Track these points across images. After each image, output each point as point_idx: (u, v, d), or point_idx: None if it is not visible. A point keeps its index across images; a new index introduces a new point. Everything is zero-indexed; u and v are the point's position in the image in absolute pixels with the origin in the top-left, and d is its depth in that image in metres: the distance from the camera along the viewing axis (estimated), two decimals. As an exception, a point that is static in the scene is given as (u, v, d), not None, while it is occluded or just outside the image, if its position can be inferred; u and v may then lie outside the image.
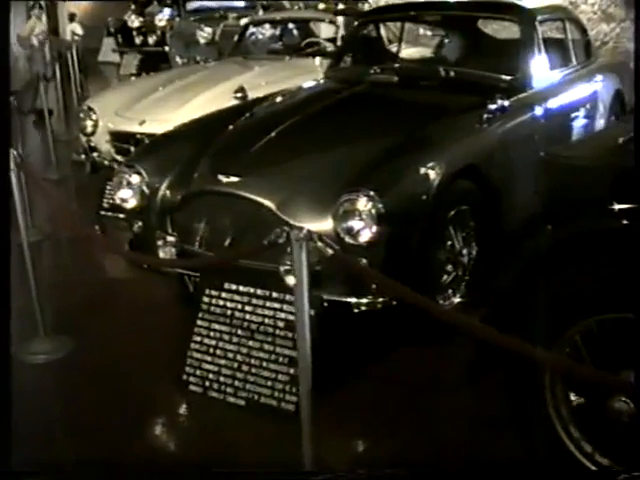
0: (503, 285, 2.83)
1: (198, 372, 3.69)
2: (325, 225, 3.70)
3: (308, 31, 8.49)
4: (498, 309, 2.83)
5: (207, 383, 3.65)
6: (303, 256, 2.70)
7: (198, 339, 3.75)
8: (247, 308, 3.67)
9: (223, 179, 3.96)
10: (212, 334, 3.72)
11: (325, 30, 8.74)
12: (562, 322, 2.66)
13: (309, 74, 6.93)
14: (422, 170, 3.73)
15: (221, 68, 7.44)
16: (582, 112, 5.40)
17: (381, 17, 5.95)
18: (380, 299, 3.66)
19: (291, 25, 8.45)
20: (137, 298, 4.65)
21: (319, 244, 2.73)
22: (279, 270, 3.74)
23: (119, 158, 6.42)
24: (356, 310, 3.66)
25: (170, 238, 4.13)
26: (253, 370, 3.57)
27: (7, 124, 2.82)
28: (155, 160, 4.36)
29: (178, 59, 10.10)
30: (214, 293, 3.77)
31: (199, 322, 3.77)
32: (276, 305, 3.60)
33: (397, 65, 5.23)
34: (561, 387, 2.76)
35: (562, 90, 5.16)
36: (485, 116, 4.28)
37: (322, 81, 5.53)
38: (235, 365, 3.62)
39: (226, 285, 3.74)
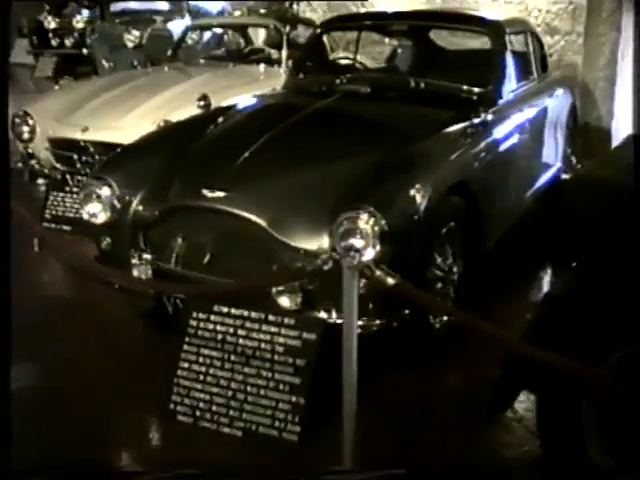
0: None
1: (187, 401, 3.45)
2: (320, 244, 3.53)
3: (247, 37, 8.27)
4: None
5: (198, 412, 3.41)
6: (354, 284, 2.51)
7: (185, 365, 3.50)
8: (240, 332, 3.46)
9: (208, 194, 3.73)
10: (201, 360, 3.49)
11: (261, 36, 8.57)
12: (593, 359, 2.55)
13: (255, 82, 6.79)
14: (418, 187, 3.60)
15: (162, 75, 7.16)
16: (548, 125, 5.41)
17: (344, 25, 5.81)
18: (378, 321, 3.54)
19: (230, 31, 8.20)
20: (106, 319, 4.35)
21: (378, 273, 2.53)
22: (271, 291, 3.56)
23: (59, 166, 6.10)
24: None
25: (146, 255, 3.88)
26: (250, 398, 3.36)
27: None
28: (126, 172, 4.09)
29: (104, 62, 9.70)
30: (202, 316, 3.54)
31: (186, 347, 3.53)
32: (273, 329, 3.40)
33: (366, 75, 5.08)
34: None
35: (529, 103, 5.14)
36: (469, 130, 4.21)
37: (283, 91, 5.34)
38: (229, 393, 3.40)
39: (215, 307, 3.51)
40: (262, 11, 9.96)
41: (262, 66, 7.32)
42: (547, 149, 5.51)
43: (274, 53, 7.35)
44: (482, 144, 4.24)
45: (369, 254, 3.36)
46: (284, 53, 7.28)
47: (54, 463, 3.05)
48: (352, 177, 3.68)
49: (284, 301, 3.55)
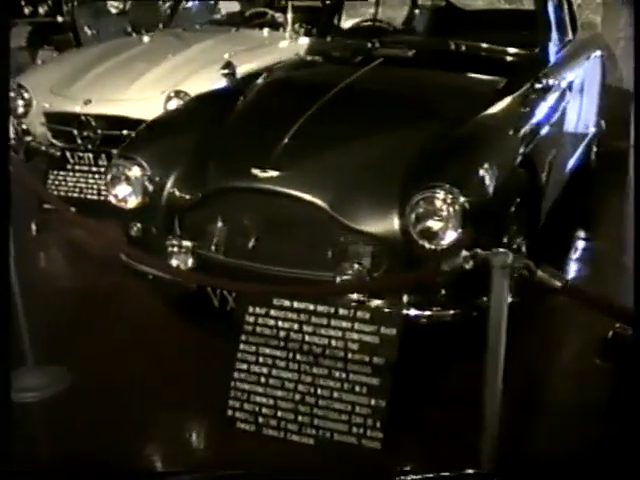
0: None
1: (247, 406, 3.10)
2: (390, 227, 3.18)
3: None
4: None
5: (261, 419, 3.06)
6: (505, 284, 2.15)
7: (244, 367, 3.14)
8: (306, 328, 3.09)
9: (259, 174, 3.34)
10: (262, 360, 3.13)
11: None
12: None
13: (261, 48, 6.37)
14: (490, 162, 3.25)
15: (162, 42, 6.68)
16: (587, 89, 5.09)
17: None
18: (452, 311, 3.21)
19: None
20: (139, 312, 3.94)
21: (540, 274, 2.17)
22: (336, 281, 3.21)
23: (57, 143, 5.63)
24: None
25: (186, 243, 3.49)
26: (321, 402, 3.02)
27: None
28: (156, 150, 3.68)
29: (87, 30, 9.15)
30: (260, 311, 3.16)
31: (243, 346, 3.16)
32: (345, 324, 3.04)
33: (401, 38, 4.69)
34: None
35: (571, 66, 4.81)
36: (528, 98, 3.87)
37: (313, 58, 4.91)
38: (297, 397, 3.05)
39: (275, 301, 3.14)
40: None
41: (266, 30, 6.88)
42: (586, 115, 5.20)
43: (279, 16, 6.89)
44: (541, 112, 3.90)
45: (449, 237, 3.04)
46: (289, 16, 6.85)
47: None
48: (415, 153, 3.35)
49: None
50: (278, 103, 3.85)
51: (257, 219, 3.44)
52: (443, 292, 3.21)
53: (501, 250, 2.27)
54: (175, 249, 3.50)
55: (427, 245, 3.08)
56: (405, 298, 3.22)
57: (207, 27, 7.16)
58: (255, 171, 3.34)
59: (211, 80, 5.56)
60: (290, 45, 6.64)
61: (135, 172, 3.57)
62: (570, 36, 5.27)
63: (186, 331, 3.67)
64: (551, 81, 3.91)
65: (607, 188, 5.82)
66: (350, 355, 3.01)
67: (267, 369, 3.11)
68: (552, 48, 4.49)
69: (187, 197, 3.55)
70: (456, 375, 3.33)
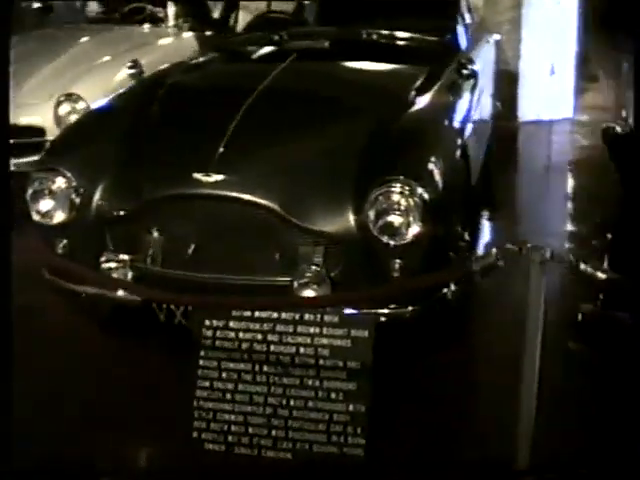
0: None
1: (214, 425, 2.92)
2: (345, 224, 3.09)
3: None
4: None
5: (230, 437, 2.89)
6: (544, 279, 2.08)
7: (206, 384, 2.95)
8: (271, 337, 2.95)
9: (203, 178, 3.15)
10: (225, 375, 2.95)
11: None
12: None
13: (146, 46, 6.10)
14: (438, 156, 3.23)
15: (38, 43, 6.25)
16: (491, 71, 5.18)
17: None
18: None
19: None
20: (78, 334, 3.64)
21: (583, 267, 2.09)
22: (292, 284, 3.09)
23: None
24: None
25: (122, 256, 3.26)
26: (295, 413, 2.88)
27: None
28: (80, 160, 3.42)
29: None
30: (218, 323, 2.99)
31: (203, 362, 2.97)
32: (312, 329, 2.92)
33: (309, 30, 4.57)
34: None
35: (478, 50, 4.85)
36: (454, 86, 3.86)
37: (222, 54, 4.71)
38: (268, 410, 2.90)
39: (234, 311, 2.98)
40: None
41: (147, 26, 6.60)
42: (489, 97, 5.27)
43: (159, 11, 6.61)
44: (466, 100, 3.90)
45: (412, 231, 2.97)
46: (170, 10, 6.60)
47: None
48: (358, 149, 3.26)
49: (309, 294, 3.08)
50: (202, 106, 3.63)
51: (198, 226, 3.27)
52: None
53: (538, 245, 2.20)
54: (112, 264, 3.26)
55: (388, 241, 3.00)
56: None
57: (84, 25, 6.79)
58: (198, 176, 3.15)
59: (104, 81, 5.29)
60: (175, 41, 6.42)
61: (59, 184, 3.30)
62: (468, 20, 5.30)
63: (132, 351, 3.42)
64: (475, 67, 3.90)
65: (503, 165, 5.97)
66: (322, 361, 2.89)
67: (232, 384, 2.94)
68: (462, 33, 4.50)
69: (119, 208, 3.31)
70: (425, 371, 3.27)
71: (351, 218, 3.07)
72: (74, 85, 5.22)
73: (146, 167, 3.34)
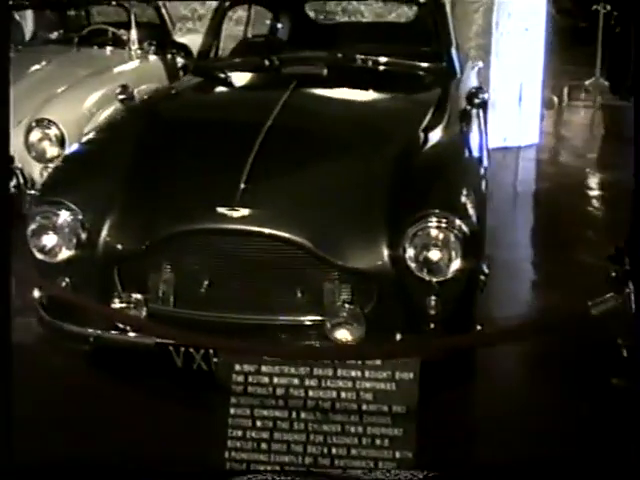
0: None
1: (251, 476, 2.71)
2: (379, 261, 2.95)
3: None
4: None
5: (269, 489, 2.70)
6: None
7: (239, 433, 2.76)
8: (308, 382, 2.77)
9: (228, 213, 2.96)
10: (260, 424, 2.76)
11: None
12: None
13: (110, 71, 5.88)
14: (468, 188, 3.13)
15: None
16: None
17: None
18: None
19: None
20: (90, 383, 3.34)
21: None
22: (325, 324, 2.93)
23: None
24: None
25: (136, 296, 3.05)
26: (337, 462, 2.71)
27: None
28: (85, 193, 3.20)
29: None
30: (249, 368, 2.79)
31: (234, 410, 2.77)
32: (353, 373, 2.75)
33: (304, 54, 4.43)
34: None
35: (472, 74, 4.81)
36: (470, 113, 3.78)
37: (209, 82, 4.52)
38: (307, 460, 2.71)
39: (266, 356, 2.79)
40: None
41: (109, 49, 6.36)
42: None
43: (123, 33, 6.39)
44: (477, 129, 3.82)
45: (454, 266, 2.86)
46: (133, 33, 6.38)
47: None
48: (385, 181, 3.13)
49: (343, 335, 2.94)
50: (213, 137, 3.43)
51: (214, 263, 3.08)
52: (432, 326, 3.02)
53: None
54: (124, 304, 3.04)
55: (428, 277, 2.87)
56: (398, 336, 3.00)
57: (41, 48, 6.50)
58: (222, 210, 2.96)
59: (75, 105, 5.06)
60: (142, 65, 6.20)
61: (64, 218, 3.07)
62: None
63: (150, 403, 3.16)
64: (485, 95, 3.82)
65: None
66: (365, 406, 2.72)
67: (267, 433, 2.75)
68: (457, 60, 4.44)
69: (132, 246, 3.09)
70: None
71: (385, 254, 2.93)
72: (44, 110, 4.96)
73: (159, 202, 3.14)
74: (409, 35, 5.24)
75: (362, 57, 4.32)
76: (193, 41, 7.15)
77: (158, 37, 6.63)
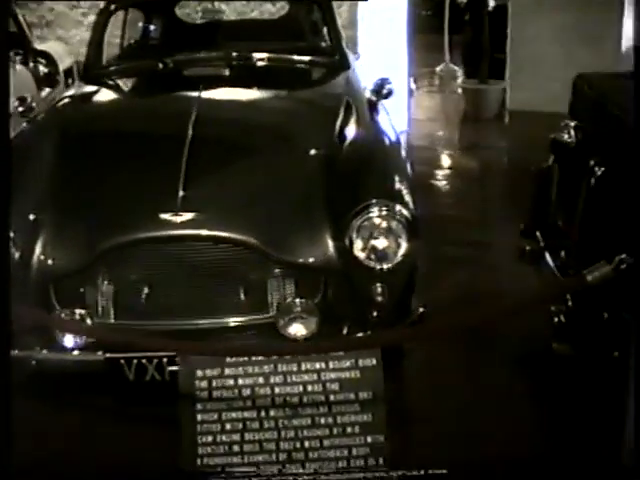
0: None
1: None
2: (326, 253, 3.01)
3: None
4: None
5: (247, 489, 2.71)
6: None
7: (209, 439, 2.74)
8: (274, 379, 2.79)
9: (171, 218, 2.93)
10: (229, 426, 2.75)
11: None
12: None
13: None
14: (399, 175, 3.24)
15: None
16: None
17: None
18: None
19: None
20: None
21: None
22: (278, 321, 2.97)
23: None
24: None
25: (79, 311, 2.97)
26: (312, 454, 2.74)
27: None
28: (12, 209, 3.03)
29: None
30: (213, 372, 2.78)
31: (202, 416, 2.75)
32: (317, 365, 2.79)
33: (203, 56, 4.40)
34: None
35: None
36: (376, 104, 3.90)
37: (84, 86, 4.39)
38: (282, 457, 2.74)
39: (229, 358, 2.79)
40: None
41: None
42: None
43: None
44: (388, 118, 3.94)
45: (400, 253, 2.96)
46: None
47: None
48: (317, 176, 3.21)
49: (297, 329, 2.98)
50: (135, 145, 3.37)
51: (154, 271, 3.04)
52: (375, 314, 3.11)
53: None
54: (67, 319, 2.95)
55: (376, 265, 2.95)
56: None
57: None
58: (165, 216, 2.93)
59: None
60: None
61: None
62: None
63: (109, 421, 3.07)
64: (391, 85, 3.95)
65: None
66: (332, 396, 2.77)
67: (238, 434, 2.75)
68: (348, 53, 4.55)
69: (67, 262, 3.00)
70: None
71: (331, 246, 2.99)
72: None
73: (92, 216, 3.06)
74: (283, 31, 5.29)
75: (260, 55, 4.33)
76: (50, 48, 6.95)
77: (19, 46, 6.35)
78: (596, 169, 2.82)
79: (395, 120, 6.83)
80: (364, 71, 4.90)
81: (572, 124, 3.21)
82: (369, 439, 2.75)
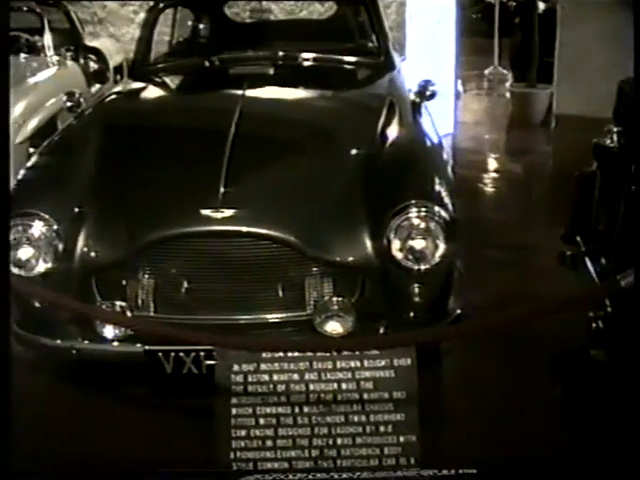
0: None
1: (258, 476, 2.74)
2: (365, 252, 3.02)
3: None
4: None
5: (277, 486, 2.73)
6: None
7: (242, 433, 2.77)
8: (309, 376, 2.81)
9: (212, 214, 2.97)
10: (263, 421, 2.78)
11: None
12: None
13: (32, 77, 5.72)
14: (440, 176, 3.24)
15: None
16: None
17: None
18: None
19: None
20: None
21: None
22: (314, 319, 2.99)
23: None
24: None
25: (120, 303, 3.02)
26: (344, 452, 2.76)
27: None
28: (55, 202, 3.13)
29: None
30: (249, 367, 2.81)
31: (236, 410, 2.79)
32: (352, 363, 2.81)
33: (249, 55, 4.45)
34: None
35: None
36: (420, 104, 3.90)
37: (132, 82, 4.47)
38: (314, 453, 2.76)
39: (264, 354, 2.82)
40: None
41: (22, 56, 6.17)
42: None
43: (38, 40, 6.20)
44: (429, 119, 3.95)
45: (438, 254, 2.97)
46: (47, 38, 6.21)
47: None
48: (358, 175, 3.22)
49: (334, 327, 3.00)
50: (180, 141, 3.43)
51: (195, 265, 3.07)
52: (412, 314, 3.12)
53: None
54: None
55: (413, 266, 2.96)
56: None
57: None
58: (206, 212, 2.97)
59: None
60: (60, 72, 6.05)
61: (39, 228, 3.00)
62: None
63: (145, 411, 3.12)
64: (435, 87, 3.95)
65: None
66: (366, 395, 2.79)
67: (272, 430, 2.77)
68: (394, 54, 4.56)
69: (110, 255, 3.05)
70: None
71: (369, 246, 3.00)
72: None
73: (134, 209, 3.11)
74: (330, 31, 5.32)
75: (306, 55, 4.36)
76: (101, 45, 7.06)
77: (70, 42, 6.48)
78: (638, 174, 2.79)
79: (441, 122, 6.88)
80: (409, 72, 4.91)
81: (615, 129, 3.18)
82: (401, 439, 2.75)
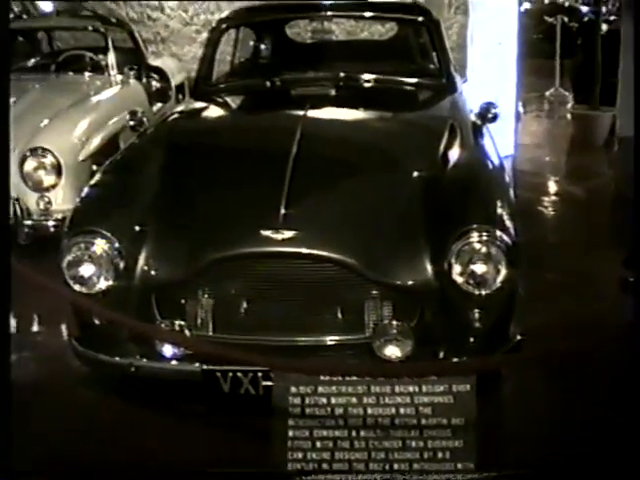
0: None
1: (313, 498, 2.72)
2: (424, 276, 2.99)
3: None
4: None
5: (333, 511, 2.70)
6: None
7: (299, 455, 2.75)
8: (367, 400, 2.78)
9: (273, 236, 2.97)
10: (319, 444, 2.77)
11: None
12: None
13: (97, 95, 5.82)
14: (502, 200, 3.19)
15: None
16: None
17: (251, 20, 5.08)
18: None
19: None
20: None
21: None
22: (374, 342, 2.96)
23: None
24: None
25: (179, 322, 3.04)
26: (400, 477, 2.72)
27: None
28: (117, 221, 3.17)
29: None
30: (307, 390, 2.80)
31: (293, 432, 2.77)
32: (411, 388, 2.78)
33: (310, 76, 4.47)
34: None
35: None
36: (482, 128, 3.87)
37: (194, 102, 4.52)
38: (371, 478, 2.73)
39: (322, 377, 2.80)
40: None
41: (87, 74, 6.30)
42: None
43: (102, 59, 6.33)
44: (491, 142, 3.90)
45: (499, 279, 2.92)
46: (112, 58, 6.33)
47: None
48: (419, 199, 3.20)
49: (393, 351, 2.97)
50: (241, 161, 3.44)
51: (253, 286, 3.07)
52: (472, 340, 3.07)
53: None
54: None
55: (474, 291, 2.92)
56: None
57: (17, 75, 6.37)
58: (267, 233, 2.97)
59: (67, 132, 5.00)
60: (124, 90, 6.15)
61: (101, 246, 3.04)
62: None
63: (202, 430, 3.12)
64: (497, 110, 3.91)
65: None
66: (424, 420, 2.75)
67: (328, 453, 2.75)
68: (456, 75, 4.53)
69: (170, 274, 3.07)
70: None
71: (429, 270, 2.97)
72: (36, 139, 4.87)
73: (195, 229, 3.13)
74: (391, 52, 5.31)
75: (367, 77, 4.36)
76: (163, 64, 7.17)
77: (133, 61, 6.59)
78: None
79: (501, 144, 6.83)
80: (470, 94, 4.88)
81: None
82: (459, 465, 2.71)
